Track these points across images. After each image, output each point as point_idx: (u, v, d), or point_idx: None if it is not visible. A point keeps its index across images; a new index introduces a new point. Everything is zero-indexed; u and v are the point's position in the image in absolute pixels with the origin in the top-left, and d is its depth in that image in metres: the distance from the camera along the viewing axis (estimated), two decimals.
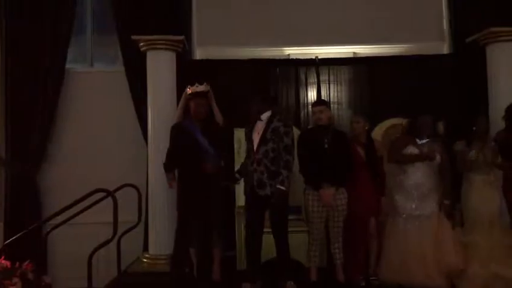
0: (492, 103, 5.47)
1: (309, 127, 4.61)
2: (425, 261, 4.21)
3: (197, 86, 4.39)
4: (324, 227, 4.42)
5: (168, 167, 4.52)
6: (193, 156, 4.32)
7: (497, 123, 4.96)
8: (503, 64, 5.46)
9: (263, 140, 4.25)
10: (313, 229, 4.38)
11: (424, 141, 4.46)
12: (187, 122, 4.44)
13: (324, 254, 4.68)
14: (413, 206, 4.36)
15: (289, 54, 6.29)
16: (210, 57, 6.10)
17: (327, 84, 6.09)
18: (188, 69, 5.65)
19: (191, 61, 6.05)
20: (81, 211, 4.66)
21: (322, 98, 5.92)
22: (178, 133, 4.45)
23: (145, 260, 5.28)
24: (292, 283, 4.23)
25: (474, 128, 4.58)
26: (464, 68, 5.92)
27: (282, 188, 4.13)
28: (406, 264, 4.23)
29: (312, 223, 4.38)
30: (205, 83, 4.43)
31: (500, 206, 4.52)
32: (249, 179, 4.28)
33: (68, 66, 6.11)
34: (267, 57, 6.11)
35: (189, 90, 4.43)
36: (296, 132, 4.97)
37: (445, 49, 6.32)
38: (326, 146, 4.34)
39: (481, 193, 4.42)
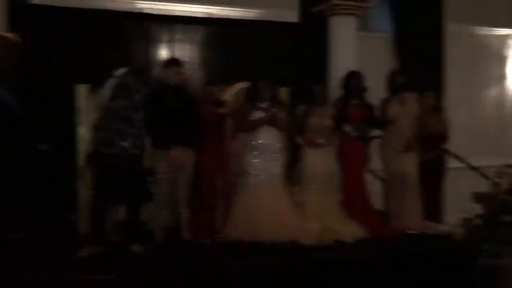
0: (332, 72, 5.88)
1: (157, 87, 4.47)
2: (273, 217, 4.46)
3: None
4: (171, 187, 4.42)
5: None
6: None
7: (335, 91, 5.39)
8: (342, 35, 5.88)
9: (112, 97, 4.07)
10: (161, 190, 4.37)
11: (265, 104, 4.64)
12: None
13: (170, 213, 4.69)
14: (264, 165, 4.57)
15: (142, 9, 5.99)
16: (53, 4, 5.45)
17: (180, 44, 5.97)
18: (23, 15, 5.06)
19: (27, 5, 5.31)
20: None
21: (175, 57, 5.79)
22: None
23: None
24: (138, 245, 4.18)
25: (312, 96, 4.82)
26: (309, 37, 6.23)
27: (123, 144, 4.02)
28: (254, 221, 4.42)
29: (160, 184, 4.35)
30: (13, 33, 3.94)
31: (333, 167, 4.92)
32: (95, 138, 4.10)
33: None
34: (118, 10, 5.73)
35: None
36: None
37: (296, 17, 6.51)
38: (174, 106, 4.29)
39: (316, 155, 4.76)
